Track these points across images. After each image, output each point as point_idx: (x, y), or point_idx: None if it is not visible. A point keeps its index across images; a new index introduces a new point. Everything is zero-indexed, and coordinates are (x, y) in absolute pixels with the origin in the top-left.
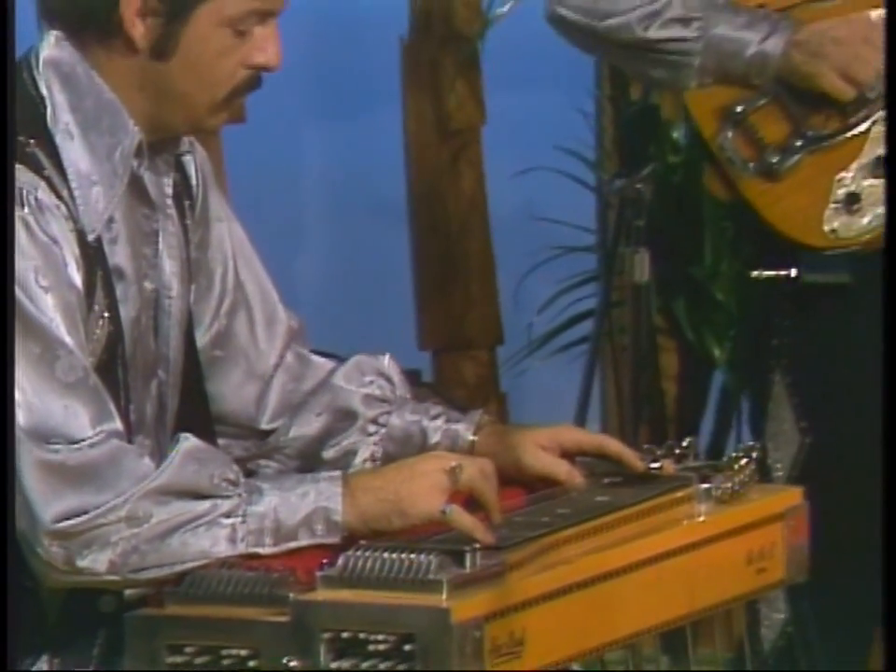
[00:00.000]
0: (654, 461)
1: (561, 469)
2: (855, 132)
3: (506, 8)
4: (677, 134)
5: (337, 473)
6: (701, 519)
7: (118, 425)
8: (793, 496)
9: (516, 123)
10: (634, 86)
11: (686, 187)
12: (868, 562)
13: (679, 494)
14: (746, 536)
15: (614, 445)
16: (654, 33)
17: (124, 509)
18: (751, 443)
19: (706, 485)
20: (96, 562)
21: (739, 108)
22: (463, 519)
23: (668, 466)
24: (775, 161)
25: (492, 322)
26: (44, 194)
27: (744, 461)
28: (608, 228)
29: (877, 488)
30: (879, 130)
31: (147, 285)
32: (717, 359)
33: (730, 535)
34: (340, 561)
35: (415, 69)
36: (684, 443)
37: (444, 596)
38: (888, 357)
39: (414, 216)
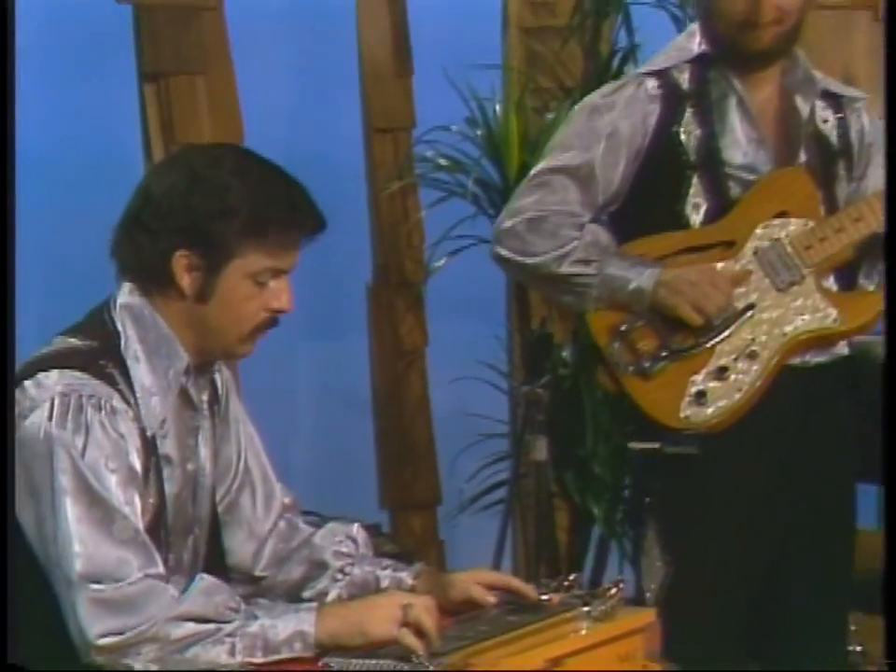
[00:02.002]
0: (544, 594)
1: (477, 592)
2: (703, 347)
3: (441, 262)
4: (565, 354)
5: (314, 604)
6: (583, 633)
7: (159, 569)
8: (649, 615)
9: (451, 345)
10: (534, 319)
11: (573, 391)
12: (722, 651)
13: (567, 615)
14: (615, 644)
15: (516, 582)
16: (565, 269)
17: (151, 630)
18: (619, 577)
19: (586, 608)
20: (131, 669)
21: (624, 327)
22: (409, 639)
23: (556, 597)
24: (647, 365)
25: (433, 488)
26: (117, 402)
27: (613, 591)
28: (517, 421)
29: (725, 608)
30: (722, 347)
31: (189, 466)
32: (595, 516)
33: (604, 644)
34: (321, 663)
35: (377, 307)
36: (571, 577)
37: None
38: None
39: (378, 411)
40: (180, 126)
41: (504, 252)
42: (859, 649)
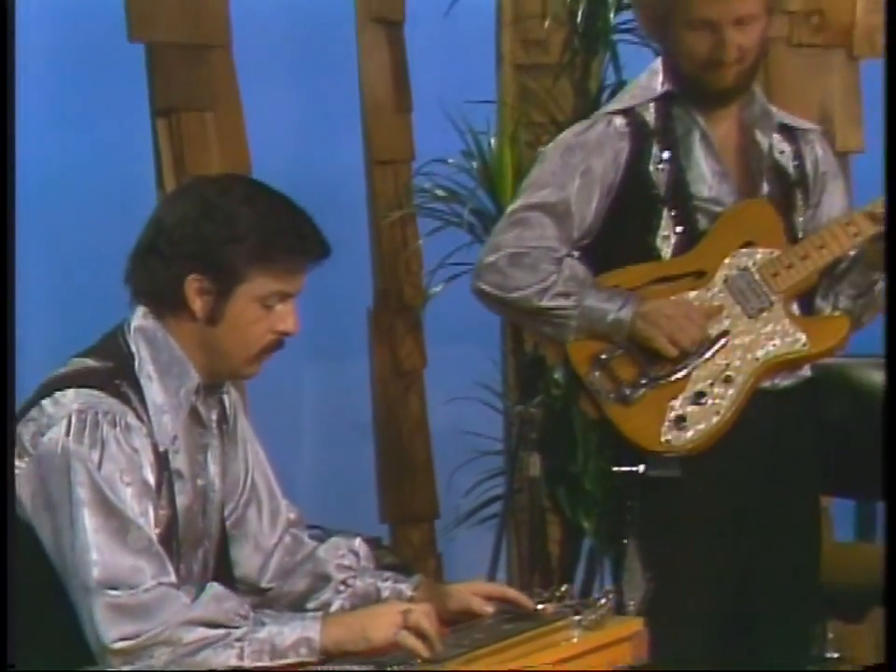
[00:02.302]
0: (540, 603)
1: (476, 602)
2: (679, 375)
3: (439, 288)
4: (557, 375)
5: (319, 613)
6: (574, 640)
7: (170, 577)
8: (637, 624)
9: (448, 367)
10: (527, 342)
11: (564, 411)
12: (700, 660)
13: (559, 624)
14: (605, 651)
15: (512, 593)
16: (545, 302)
17: (164, 635)
18: (608, 588)
19: (577, 617)
20: (145, 667)
21: (604, 356)
22: (410, 640)
23: (549, 607)
24: (627, 392)
25: (431, 503)
26: (131, 419)
27: (603, 601)
28: (511, 439)
29: (703, 619)
30: (699, 373)
31: (199, 481)
32: (586, 530)
33: (594, 651)
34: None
35: (378, 330)
36: (563, 588)
37: None
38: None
39: (378, 429)
40: (191, 158)
41: (485, 287)
42: (836, 656)
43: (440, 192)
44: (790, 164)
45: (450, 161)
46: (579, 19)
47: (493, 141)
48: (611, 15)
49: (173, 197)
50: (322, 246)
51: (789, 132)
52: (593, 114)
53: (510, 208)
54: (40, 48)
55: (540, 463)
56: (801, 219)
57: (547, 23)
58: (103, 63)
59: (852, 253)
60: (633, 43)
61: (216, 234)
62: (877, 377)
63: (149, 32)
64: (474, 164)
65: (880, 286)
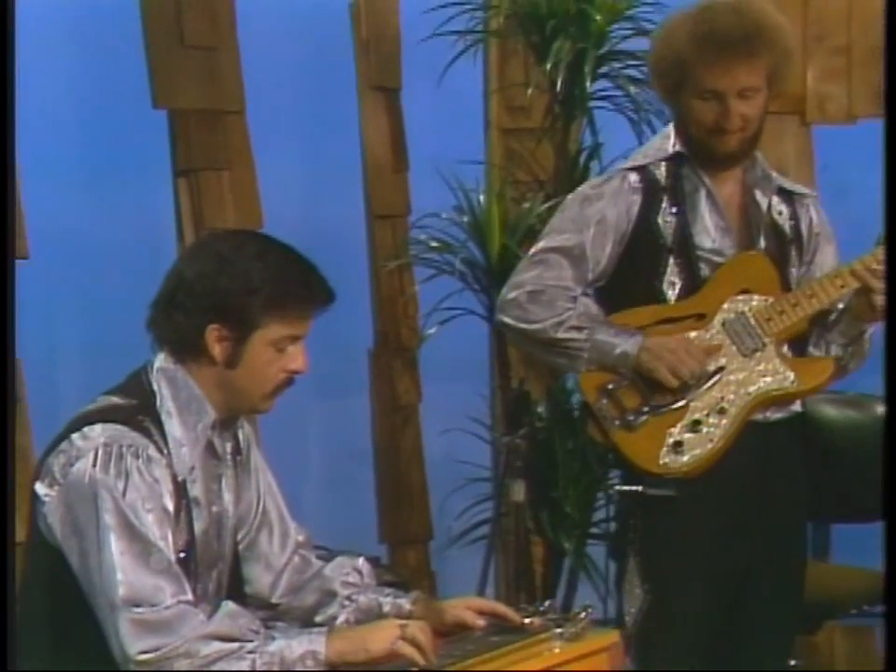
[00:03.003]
0: (526, 617)
1: (468, 616)
2: (679, 405)
3: (433, 330)
4: (540, 409)
5: (324, 628)
6: (556, 651)
7: (188, 596)
8: (614, 636)
9: (441, 401)
10: (514, 379)
11: (547, 442)
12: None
13: (543, 636)
14: (584, 660)
15: (501, 608)
16: (560, 335)
17: (183, 648)
18: (587, 603)
19: (559, 630)
20: None
21: (611, 385)
22: (407, 649)
23: (536, 621)
24: (631, 419)
25: (426, 525)
26: (152, 451)
27: (583, 615)
28: (498, 467)
29: (694, 630)
30: (696, 404)
31: (214, 508)
32: (566, 550)
33: (575, 660)
34: None
35: (377, 368)
36: (546, 603)
37: None
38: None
39: (377, 459)
40: (209, 213)
41: (507, 320)
42: (795, 663)
43: (433, 244)
44: (786, 224)
45: (443, 215)
46: (558, 87)
47: (482, 197)
48: (588, 84)
49: (191, 253)
50: (328, 293)
51: (787, 195)
52: (574, 173)
53: (531, 250)
54: (75, 114)
55: (525, 489)
56: (795, 274)
57: (530, 91)
58: (129, 128)
59: (840, 305)
60: (608, 110)
61: (232, 287)
62: (831, 412)
63: (172, 99)
64: (465, 219)
65: (868, 333)
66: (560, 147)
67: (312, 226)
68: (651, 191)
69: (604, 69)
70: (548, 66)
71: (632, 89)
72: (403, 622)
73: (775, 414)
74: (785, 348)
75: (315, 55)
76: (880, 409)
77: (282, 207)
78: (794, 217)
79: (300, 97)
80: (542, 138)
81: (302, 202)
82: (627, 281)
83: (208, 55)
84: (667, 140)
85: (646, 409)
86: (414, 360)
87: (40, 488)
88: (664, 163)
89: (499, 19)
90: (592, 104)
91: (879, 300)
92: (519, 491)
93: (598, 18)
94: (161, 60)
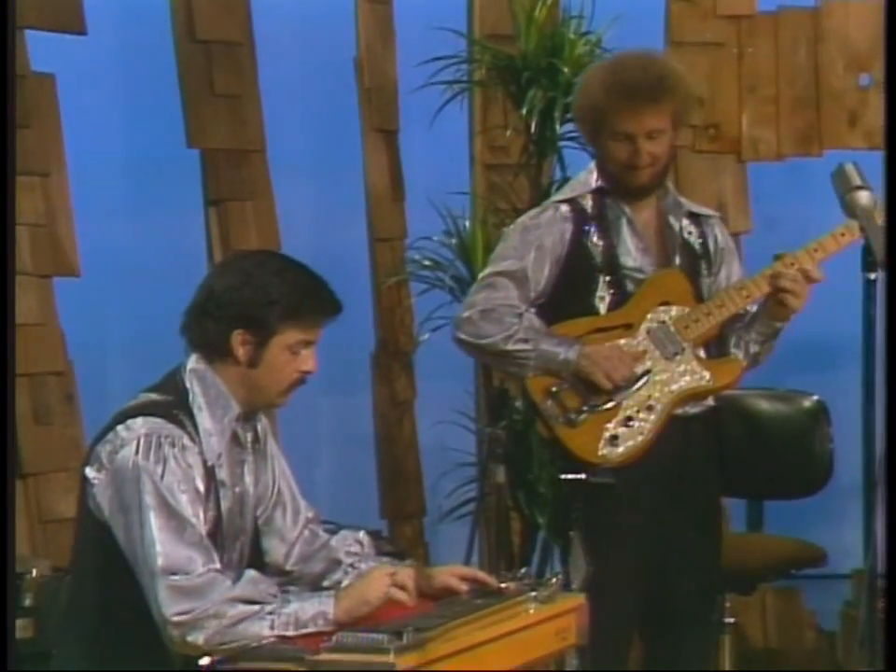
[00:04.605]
0: (504, 582)
1: (453, 581)
2: (613, 404)
3: (426, 337)
4: (518, 404)
5: (332, 591)
6: (531, 612)
7: (217, 565)
8: (580, 599)
9: (433, 398)
10: (495, 378)
11: (524, 432)
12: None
13: (519, 599)
14: (555, 621)
15: (481, 575)
16: (510, 347)
17: (212, 610)
18: (557, 571)
19: (533, 593)
20: (197, 639)
21: (555, 388)
22: (399, 594)
23: (511, 585)
24: (573, 417)
25: (420, 503)
26: (186, 441)
27: (553, 580)
28: (482, 453)
29: (629, 596)
30: (628, 402)
31: (238, 489)
32: (540, 525)
33: (547, 620)
34: (334, 639)
35: (378, 369)
36: (522, 571)
37: (391, 657)
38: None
39: (378, 446)
40: (234, 238)
41: (463, 336)
42: (732, 620)
43: (427, 263)
44: (696, 243)
45: (434, 238)
46: (532, 130)
47: (467, 223)
48: (558, 127)
49: (219, 269)
50: (336, 305)
51: (695, 217)
52: (543, 203)
53: (481, 275)
54: (122, 153)
55: (505, 472)
56: (705, 285)
57: (508, 133)
58: (167, 164)
59: (753, 309)
60: (575, 148)
61: (254, 299)
62: (764, 405)
63: (203, 140)
64: (453, 241)
65: (781, 329)
66: (534, 181)
67: (322, 248)
68: (580, 220)
69: (571, 114)
70: (524, 112)
71: None
72: (391, 569)
73: (692, 409)
74: (701, 351)
75: (325, 102)
76: (806, 403)
77: (297, 232)
78: (703, 235)
79: (312, 138)
80: (519, 173)
81: (314, 227)
82: (564, 297)
83: (234, 102)
84: (591, 175)
85: (585, 408)
86: (410, 362)
87: (89, 472)
88: (589, 195)
89: (482, 71)
90: (561, 143)
91: (790, 298)
92: (500, 474)
93: (566, 70)
94: (194, 106)
